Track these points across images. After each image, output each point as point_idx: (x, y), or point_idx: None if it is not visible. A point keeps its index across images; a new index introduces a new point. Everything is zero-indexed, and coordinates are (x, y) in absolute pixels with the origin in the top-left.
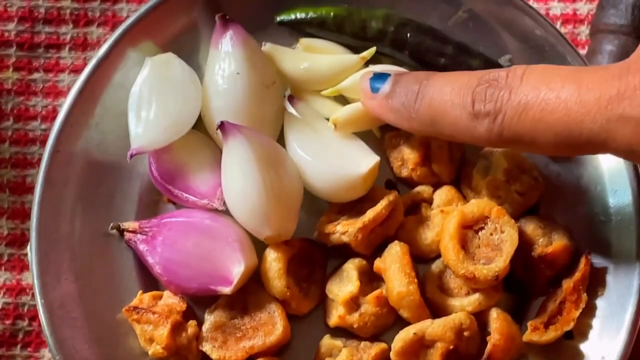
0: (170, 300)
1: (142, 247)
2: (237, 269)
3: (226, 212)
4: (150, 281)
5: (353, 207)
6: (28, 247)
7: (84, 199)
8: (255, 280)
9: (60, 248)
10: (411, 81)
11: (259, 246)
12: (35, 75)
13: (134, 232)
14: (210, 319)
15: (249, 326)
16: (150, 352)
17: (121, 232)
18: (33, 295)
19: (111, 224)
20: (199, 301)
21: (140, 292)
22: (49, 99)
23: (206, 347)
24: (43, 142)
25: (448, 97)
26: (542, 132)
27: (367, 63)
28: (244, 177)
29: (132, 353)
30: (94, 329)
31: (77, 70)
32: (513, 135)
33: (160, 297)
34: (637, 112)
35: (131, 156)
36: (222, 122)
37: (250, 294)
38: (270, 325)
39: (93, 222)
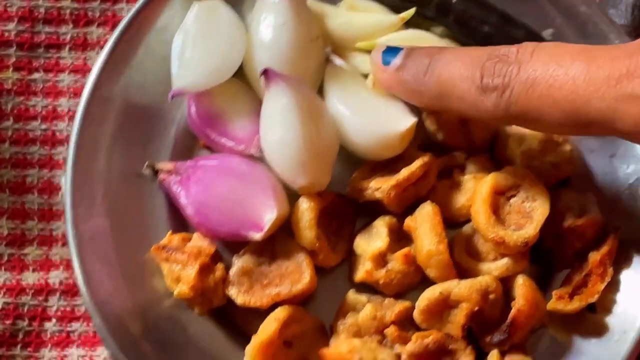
0: (199, 242)
1: (175, 188)
2: (268, 216)
3: (261, 160)
4: (180, 224)
5: (386, 166)
6: (62, 179)
7: (120, 137)
8: (285, 231)
9: (95, 182)
10: (422, 55)
11: (291, 197)
12: (35, 75)
13: (168, 172)
14: (237, 263)
15: (275, 274)
16: (175, 293)
17: (155, 172)
18: (33, 295)
19: (146, 163)
20: (228, 246)
21: (170, 232)
22: (49, 99)
23: (232, 292)
24: (43, 142)
25: (457, 70)
26: (549, 108)
27: (408, 26)
28: (284, 124)
29: (156, 293)
30: (122, 266)
31: (77, 70)
32: (520, 110)
33: (189, 239)
34: None
35: (172, 96)
36: (265, 69)
37: (279, 243)
38: (297, 274)
39: (128, 160)
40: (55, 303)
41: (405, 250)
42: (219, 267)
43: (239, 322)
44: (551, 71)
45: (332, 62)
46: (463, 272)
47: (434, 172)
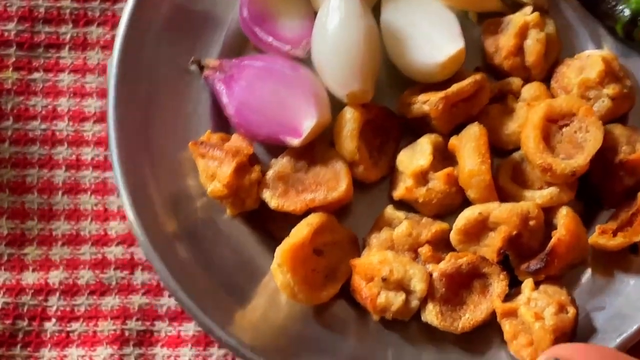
0: (238, 142)
1: (219, 86)
2: (308, 123)
3: (306, 65)
4: (220, 124)
5: (438, 89)
6: (108, 65)
7: (170, 32)
8: (325, 139)
9: (139, 77)
10: None
11: (335, 108)
12: (35, 75)
13: (214, 69)
14: (274, 167)
15: (312, 180)
16: (209, 190)
17: (201, 68)
18: (33, 295)
19: (192, 58)
20: (265, 150)
21: (209, 131)
22: (49, 99)
23: (266, 194)
24: (43, 142)
25: None
26: None
27: None
28: (343, 26)
29: (190, 191)
30: (159, 161)
31: (76, 70)
32: None
33: (228, 139)
34: None
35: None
36: None
37: (319, 151)
38: (333, 182)
39: (175, 57)
40: (55, 303)
41: (448, 169)
42: (256, 169)
43: (270, 228)
44: None
45: None
46: (506, 197)
47: (486, 92)
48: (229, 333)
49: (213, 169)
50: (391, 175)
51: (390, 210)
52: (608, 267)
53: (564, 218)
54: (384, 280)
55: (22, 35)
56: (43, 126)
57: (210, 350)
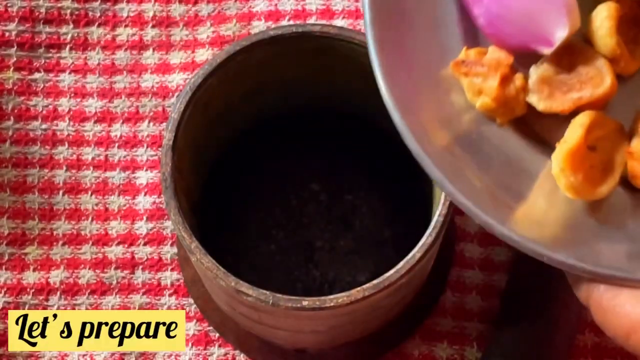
0: (496, 54)
1: None
2: (559, 33)
3: None
4: (472, 39)
5: None
6: None
7: None
8: (582, 40)
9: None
10: None
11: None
12: (36, 75)
13: None
14: (536, 72)
15: (575, 80)
16: (478, 105)
17: None
18: (34, 294)
19: None
20: (522, 58)
21: (465, 48)
22: (50, 99)
23: (533, 99)
24: (44, 142)
25: None
26: None
27: None
28: None
29: (455, 108)
30: (421, 80)
31: (77, 70)
32: None
33: (485, 53)
34: None
35: None
36: None
37: (576, 53)
38: (597, 79)
39: None
40: (55, 302)
41: None
42: (519, 77)
43: (539, 130)
44: None
45: None
46: None
47: None
48: (510, 229)
49: (478, 84)
50: None
51: None
52: None
53: None
54: None
55: (23, 35)
56: (44, 126)
57: (211, 349)
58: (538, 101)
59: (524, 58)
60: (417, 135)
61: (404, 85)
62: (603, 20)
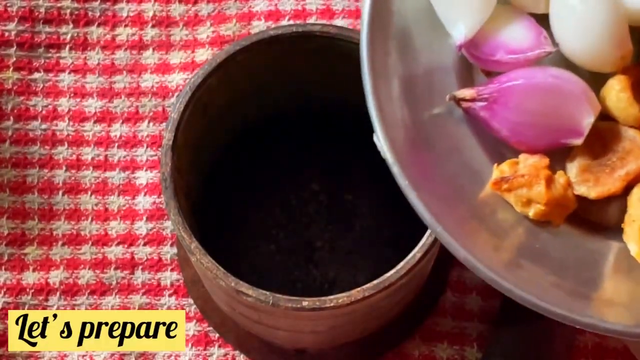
0: (530, 160)
1: (483, 113)
2: (587, 120)
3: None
4: (496, 154)
5: None
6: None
7: (404, 87)
8: (601, 119)
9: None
10: None
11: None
12: (36, 75)
13: (471, 100)
14: (574, 165)
15: (614, 159)
16: (531, 214)
17: (457, 102)
18: (33, 294)
19: (448, 95)
20: (550, 156)
21: (496, 165)
22: (49, 99)
23: (582, 190)
24: (43, 142)
25: None
26: None
27: None
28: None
29: (505, 225)
30: (461, 212)
31: (77, 70)
32: None
33: (517, 163)
34: None
35: (459, 48)
36: None
37: (603, 133)
38: (636, 150)
39: (417, 105)
40: (55, 303)
41: None
42: (560, 174)
43: (594, 217)
44: None
45: None
46: None
47: None
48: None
49: (526, 195)
50: None
51: None
52: None
53: None
54: None
55: (23, 35)
56: (43, 126)
57: (211, 350)
58: (589, 190)
59: (549, 155)
60: (487, 263)
61: (448, 218)
62: (618, 93)
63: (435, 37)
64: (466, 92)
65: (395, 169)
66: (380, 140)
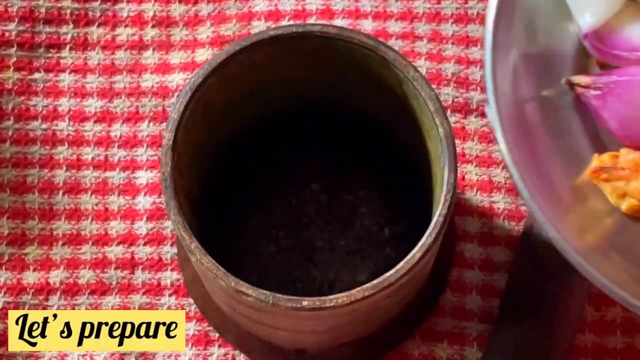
0: (630, 155)
1: (595, 102)
2: None
3: None
4: (597, 144)
5: None
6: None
7: (520, 64)
8: None
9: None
10: None
11: None
12: (36, 75)
13: (586, 87)
14: None
15: None
16: (624, 208)
17: (572, 86)
18: (34, 294)
19: (565, 78)
20: None
21: (596, 154)
22: (50, 99)
23: None
24: (44, 142)
25: None
26: None
27: None
28: None
29: (595, 214)
30: (558, 192)
31: (77, 70)
32: None
33: (617, 156)
34: None
35: (585, 37)
36: None
37: None
38: None
39: (530, 83)
40: (55, 302)
41: None
42: None
43: None
44: None
45: None
46: None
47: None
48: None
49: (622, 188)
50: None
51: None
52: None
53: None
54: None
55: (23, 35)
56: (44, 126)
57: (211, 349)
58: None
59: None
60: (573, 245)
61: (544, 196)
62: None
63: (559, 22)
64: (582, 79)
65: (499, 133)
66: (491, 109)
